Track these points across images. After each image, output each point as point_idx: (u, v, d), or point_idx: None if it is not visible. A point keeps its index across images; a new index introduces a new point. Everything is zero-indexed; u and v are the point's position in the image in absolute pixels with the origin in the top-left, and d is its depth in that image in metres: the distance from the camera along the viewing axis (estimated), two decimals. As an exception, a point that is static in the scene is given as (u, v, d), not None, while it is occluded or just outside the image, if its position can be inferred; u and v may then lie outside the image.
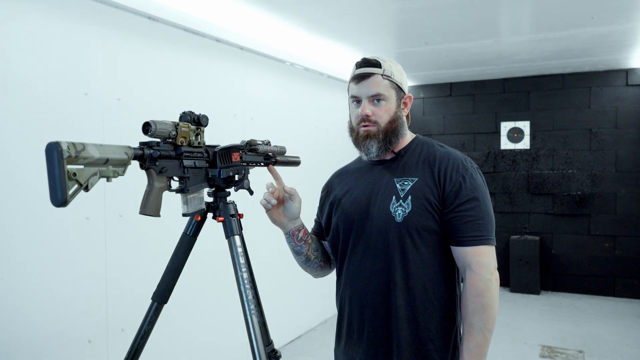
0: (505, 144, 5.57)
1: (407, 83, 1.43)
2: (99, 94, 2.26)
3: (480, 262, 1.25)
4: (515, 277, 5.36)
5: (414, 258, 1.29)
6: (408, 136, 1.44)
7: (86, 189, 1.05)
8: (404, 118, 1.40)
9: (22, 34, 1.96)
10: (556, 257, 5.37)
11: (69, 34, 2.13)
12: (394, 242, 1.30)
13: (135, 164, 1.22)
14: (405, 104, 1.40)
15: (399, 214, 1.29)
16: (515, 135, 5.53)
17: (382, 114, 1.34)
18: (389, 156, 1.40)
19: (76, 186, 1.02)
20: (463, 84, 5.77)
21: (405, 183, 1.32)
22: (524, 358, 3.60)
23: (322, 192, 1.57)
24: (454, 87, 5.83)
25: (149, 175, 1.24)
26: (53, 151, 0.98)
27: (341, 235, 1.42)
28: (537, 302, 5.01)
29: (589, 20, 3.34)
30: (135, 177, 1.46)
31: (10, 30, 1.91)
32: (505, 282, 5.48)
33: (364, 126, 1.35)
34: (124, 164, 1.15)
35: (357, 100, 1.37)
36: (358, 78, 1.35)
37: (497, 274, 1.26)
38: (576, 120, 5.28)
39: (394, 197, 1.31)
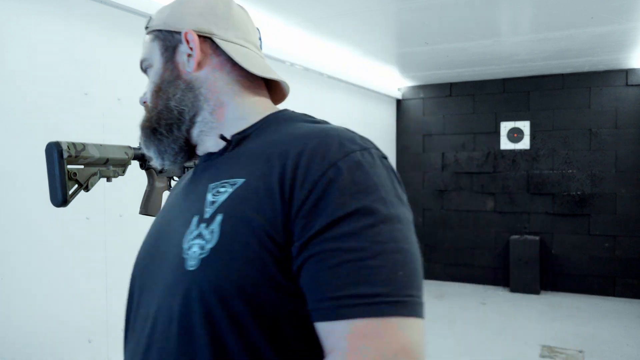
0: (505, 144, 5.57)
1: (199, 12, 0.76)
2: (99, 94, 2.26)
3: (357, 349, 0.54)
4: (515, 277, 5.36)
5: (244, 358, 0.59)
6: (253, 112, 0.76)
7: (86, 189, 1.05)
8: (198, 75, 0.75)
9: (22, 34, 1.96)
10: (556, 257, 5.37)
11: (69, 34, 2.13)
12: (188, 322, 0.61)
13: (135, 164, 1.22)
14: (190, 52, 0.74)
15: (195, 251, 0.62)
16: (515, 135, 5.53)
17: (149, 89, 0.82)
18: (217, 148, 0.76)
19: (76, 186, 1.02)
20: (463, 84, 5.77)
21: (222, 190, 0.66)
22: (524, 358, 3.59)
23: None
24: (454, 87, 5.83)
25: (149, 175, 1.25)
26: (53, 151, 0.98)
27: (126, 303, 0.78)
28: (537, 302, 5.01)
29: (589, 20, 3.34)
30: (135, 177, 1.46)
31: (10, 30, 1.91)
32: (505, 282, 5.48)
33: None
34: (124, 164, 1.15)
35: None
36: None
37: None
38: (576, 120, 5.28)
39: (195, 219, 0.66)
